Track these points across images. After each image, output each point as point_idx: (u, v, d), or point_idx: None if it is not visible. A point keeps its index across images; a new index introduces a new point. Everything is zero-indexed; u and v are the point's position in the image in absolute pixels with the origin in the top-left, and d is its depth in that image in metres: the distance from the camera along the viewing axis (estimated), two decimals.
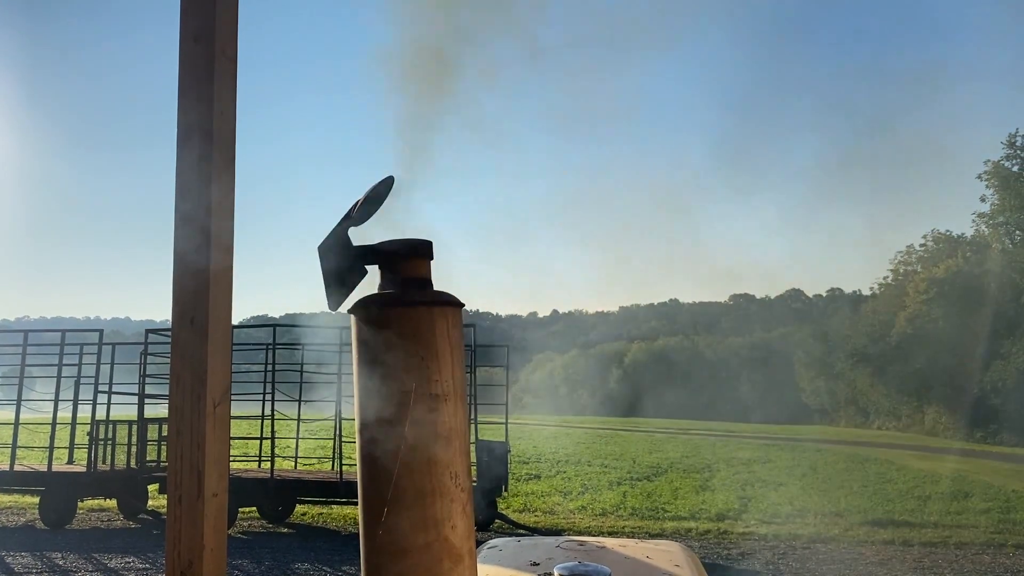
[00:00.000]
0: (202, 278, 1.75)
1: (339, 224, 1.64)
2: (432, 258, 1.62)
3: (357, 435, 1.54)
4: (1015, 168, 42.18)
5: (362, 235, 1.66)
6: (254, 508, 13.60)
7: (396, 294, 1.55)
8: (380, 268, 1.61)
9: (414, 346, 1.50)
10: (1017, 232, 43.61)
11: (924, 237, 52.95)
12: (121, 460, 13.78)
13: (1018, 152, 42.05)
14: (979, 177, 43.83)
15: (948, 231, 50.61)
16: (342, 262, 1.62)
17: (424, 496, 1.46)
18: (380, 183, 1.65)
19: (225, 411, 1.80)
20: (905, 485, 17.58)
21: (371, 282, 1.63)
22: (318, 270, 1.63)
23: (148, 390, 13.73)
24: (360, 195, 1.65)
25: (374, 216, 1.65)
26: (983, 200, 44.96)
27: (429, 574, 1.45)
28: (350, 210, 1.65)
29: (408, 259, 1.58)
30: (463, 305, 1.59)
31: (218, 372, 1.77)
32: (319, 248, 1.63)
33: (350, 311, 1.58)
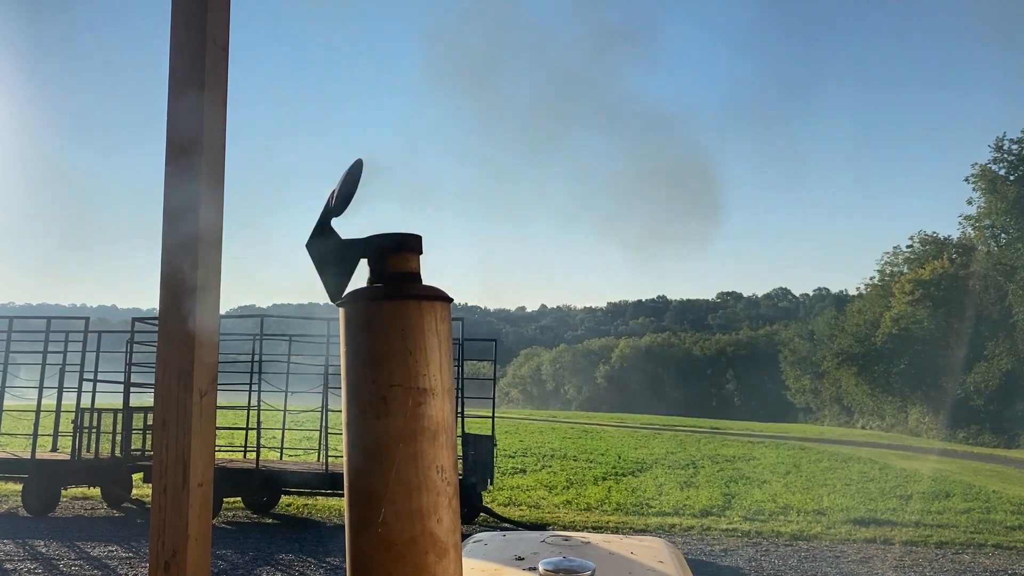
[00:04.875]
0: (190, 267, 1.74)
1: (321, 217, 1.63)
2: (421, 252, 1.62)
3: (344, 428, 1.54)
4: (1002, 171, 42.48)
5: (341, 225, 1.66)
6: (239, 498, 13.58)
7: (384, 288, 1.55)
8: (368, 262, 1.61)
9: (402, 340, 1.50)
10: (1003, 235, 43.94)
11: (911, 238, 53.42)
12: (105, 448, 13.71)
13: (1005, 155, 42.35)
14: (966, 179, 44.18)
15: (935, 233, 51.06)
16: (333, 253, 1.62)
17: (410, 490, 1.47)
18: (350, 168, 1.64)
19: (211, 401, 1.80)
20: (887, 484, 17.73)
21: (360, 276, 1.63)
22: (311, 267, 1.63)
23: (134, 379, 13.67)
24: (334, 184, 1.65)
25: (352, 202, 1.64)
26: (970, 203, 45.33)
27: (414, 567, 1.45)
28: (328, 201, 1.64)
29: (397, 253, 1.58)
30: (452, 300, 1.59)
31: (205, 362, 1.77)
32: (307, 245, 1.63)
33: (338, 304, 1.58)
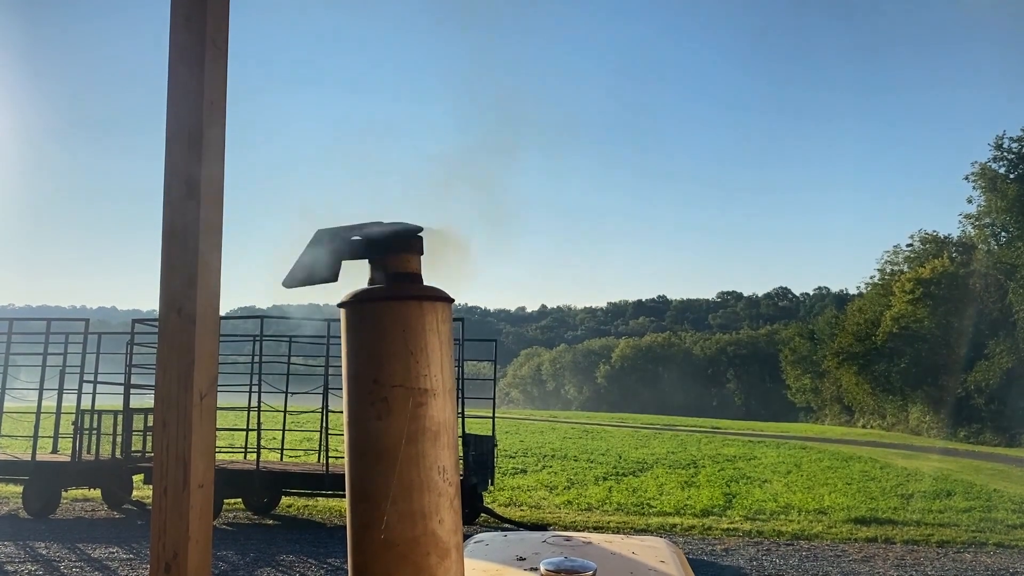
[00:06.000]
0: (190, 268, 1.74)
1: (351, 226, 1.63)
2: (422, 252, 1.62)
3: (345, 429, 1.54)
4: (1002, 170, 42.48)
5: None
6: (239, 500, 13.57)
7: (386, 289, 1.56)
8: (370, 262, 1.61)
9: (403, 341, 1.50)
10: (1003, 233, 43.95)
11: (911, 237, 53.47)
12: (106, 450, 13.71)
13: (1005, 154, 42.35)
14: (966, 178, 44.21)
15: (935, 231, 51.08)
16: (328, 257, 1.61)
17: (412, 490, 1.47)
18: (409, 226, 1.63)
19: (212, 402, 1.79)
20: (888, 483, 17.73)
21: (361, 276, 1.63)
22: (302, 243, 1.62)
23: (134, 380, 13.66)
24: (387, 221, 1.64)
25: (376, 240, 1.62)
26: (970, 201, 45.38)
27: (416, 568, 1.46)
28: (370, 224, 1.64)
29: (398, 253, 1.59)
30: (453, 300, 1.60)
31: (205, 363, 1.76)
32: (318, 231, 1.63)
33: (340, 305, 1.59)
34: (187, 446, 1.68)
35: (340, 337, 1.60)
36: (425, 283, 1.62)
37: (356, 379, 1.53)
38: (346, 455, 1.55)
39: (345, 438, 1.55)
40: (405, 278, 1.59)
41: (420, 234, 1.63)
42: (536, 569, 2.21)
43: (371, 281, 1.61)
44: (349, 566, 1.52)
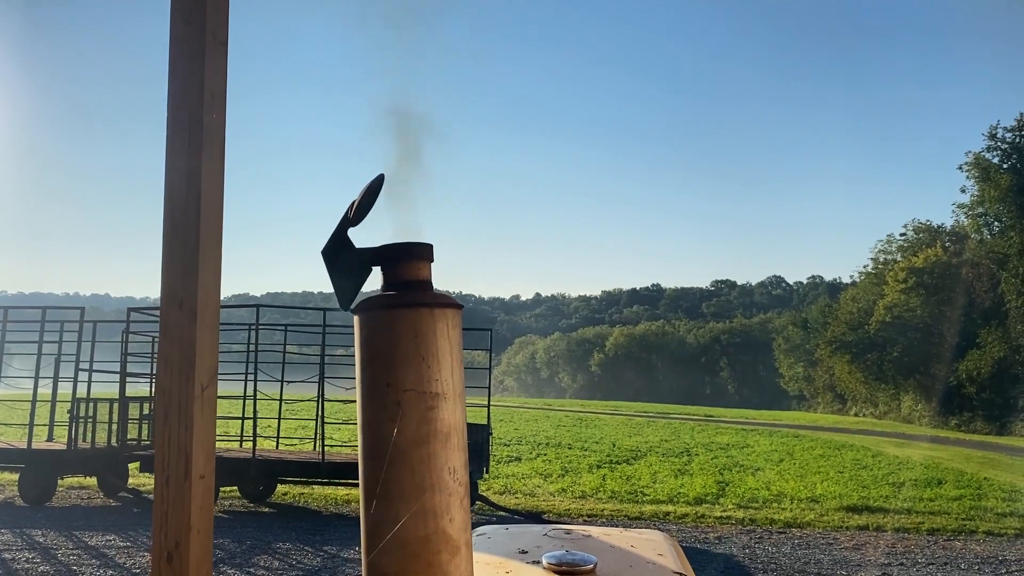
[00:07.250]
0: (191, 261, 1.74)
1: (338, 227, 1.71)
2: (432, 260, 1.68)
3: (360, 431, 1.60)
4: (995, 159, 42.57)
5: (359, 234, 1.72)
6: (235, 488, 13.60)
7: (398, 296, 1.62)
8: (382, 270, 1.68)
9: (415, 346, 1.55)
10: (996, 223, 44.09)
11: (904, 226, 53.63)
12: (102, 438, 13.71)
13: (999, 144, 42.42)
14: (960, 168, 44.29)
15: (928, 221, 51.28)
16: (348, 263, 1.69)
17: (423, 491, 1.53)
18: (372, 182, 1.71)
19: (212, 394, 1.80)
20: (880, 471, 17.86)
21: (373, 284, 1.69)
22: (317, 265, 1.72)
23: (129, 368, 13.65)
24: (355, 195, 1.73)
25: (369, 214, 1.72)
26: (963, 191, 45.52)
27: (428, 565, 1.51)
28: (347, 212, 1.72)
29: (410, 261, 1.66)
30: (462, 306, 1.66)
31: (206, 355, 1.77)
32: (323, 252, 1.71)
33: (352, 312, 1.64)
34: (188, 438, 1.69)
35: (353, 342, 1.66)
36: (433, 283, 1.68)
37: (370, 384, 1.58)
38: (360, 457, 1.60)
39: (359, 440, 1.60)
40: (416, 285, 1.64)
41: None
42: (538, 562, 2.24)
43: (384, 288, 1.66)
44: (363, 564, 1.55)
